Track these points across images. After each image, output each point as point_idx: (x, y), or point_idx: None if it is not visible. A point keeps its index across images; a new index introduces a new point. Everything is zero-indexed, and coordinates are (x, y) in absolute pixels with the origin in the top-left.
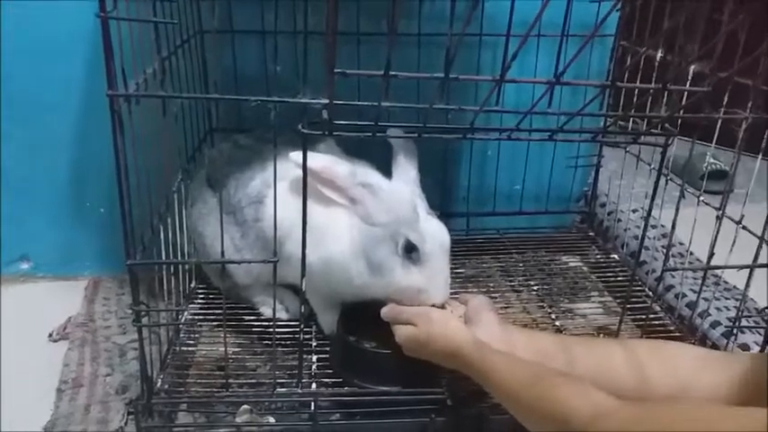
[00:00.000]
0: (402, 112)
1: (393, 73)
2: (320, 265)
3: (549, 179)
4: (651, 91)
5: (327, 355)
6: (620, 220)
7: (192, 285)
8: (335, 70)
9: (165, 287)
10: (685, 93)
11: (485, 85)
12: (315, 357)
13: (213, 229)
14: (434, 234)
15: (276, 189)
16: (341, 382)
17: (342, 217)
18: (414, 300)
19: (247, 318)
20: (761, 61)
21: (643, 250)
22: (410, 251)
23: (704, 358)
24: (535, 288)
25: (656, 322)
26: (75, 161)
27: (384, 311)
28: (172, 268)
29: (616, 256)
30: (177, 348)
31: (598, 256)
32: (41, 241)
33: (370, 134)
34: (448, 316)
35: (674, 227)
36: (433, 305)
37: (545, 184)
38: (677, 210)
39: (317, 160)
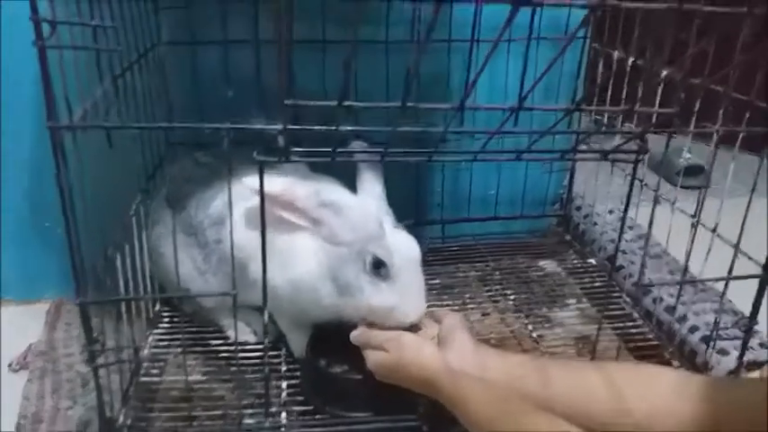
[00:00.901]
0: (368, 121)
1: (348, 103)
2: (287, 287)
3: (523, 182)
4: (619, 111)
5: (298, 381)
6: (596, 224)
7: (157, 308)
8: (287, 102)
9: (123, 318)
10: (654, 114)
11: (455, 93)
12: (285, 384)
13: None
14: (402, 247)
15: (234, 216)
16: (312, 410)
17: (306, 239)
18: (387, 319)
19: (214, 342)
20: (730, 73)
21: (620, 254)
22: (378, 267)
23: (680, 383)
24: (512, 297)
25: (635, 330)
26: (32, 180)
27: (354, 336)
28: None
29: (593, 261)
30: (140, 379)
31: (575, 261)
32: (1, 263)
33: (328, 159)
34: (420, 342)
35: (647, 239)
36: (410, 323)
37: (520, 187)
38: (651, 222)
39: (275, 184)
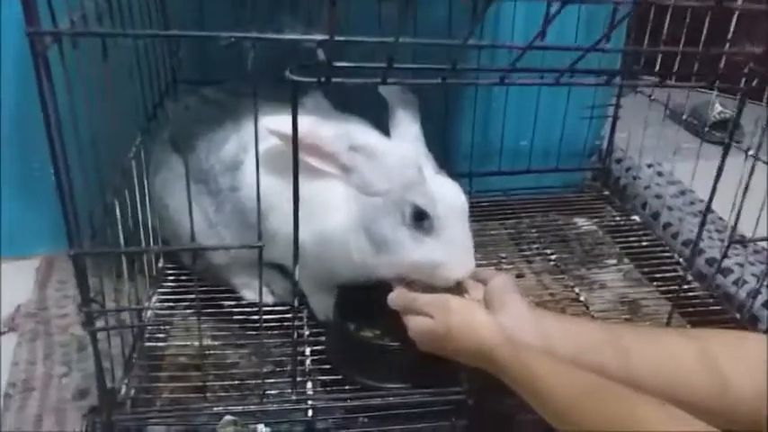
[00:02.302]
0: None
1: None
2: (313, 242)
3: (560, 132)
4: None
5: (324, 347)
6: (638, 178)
7: (161, 265)
8: None
9: (124, 275)
10: None
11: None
12: (309, 350)
13: (180, 200)
14: (446, 195)
15: (251, 159)
16: (341, 379)
17: (334, 187)
18: (431, 277)
19: (227, 303)
20: None
21: (666, 210)
22: (420, 219)
23: None
24: (551, 257)
25: (691, 294)
26: (16, 119)
27: (392, 299)
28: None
29: (637, 218)
30: (144, 344)
31: (617, 218)
32: None
33: (378, 81)
34: (471, 306)
35: (744, 192)
36: (457, 280)
37: (555, 138)
38: (751, 175)
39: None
